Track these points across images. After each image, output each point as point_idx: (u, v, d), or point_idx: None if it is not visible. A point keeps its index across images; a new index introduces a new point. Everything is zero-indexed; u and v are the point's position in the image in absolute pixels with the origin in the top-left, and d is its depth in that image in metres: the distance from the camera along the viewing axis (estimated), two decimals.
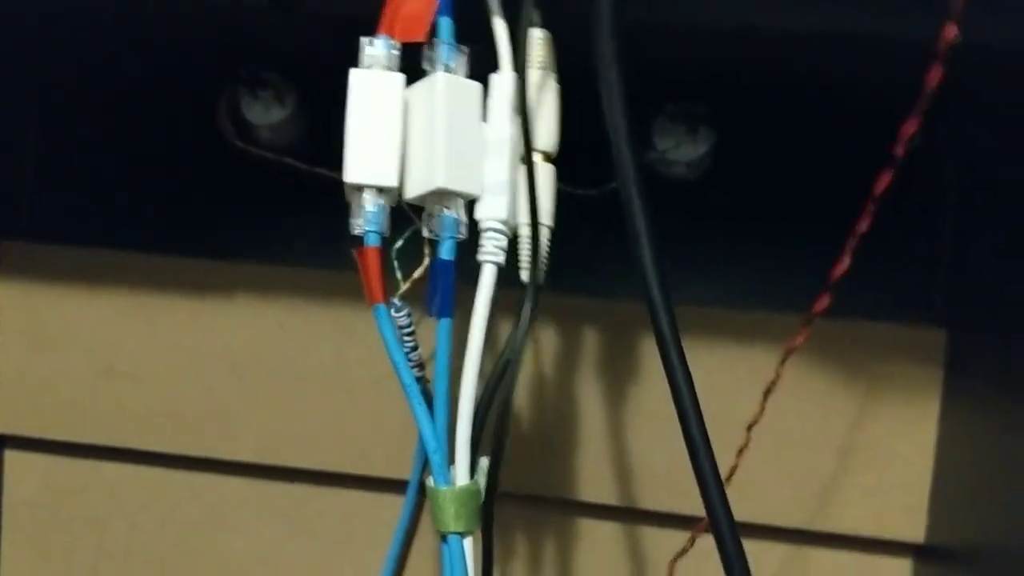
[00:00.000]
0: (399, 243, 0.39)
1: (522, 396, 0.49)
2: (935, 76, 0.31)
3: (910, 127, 0.32)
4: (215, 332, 0.52)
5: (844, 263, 0.35)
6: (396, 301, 0.42)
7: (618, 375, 0.49)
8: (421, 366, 0.44)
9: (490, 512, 0.36)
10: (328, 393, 0.52)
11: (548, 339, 0.50)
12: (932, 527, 0.47)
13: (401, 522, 0.51)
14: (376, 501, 0.53)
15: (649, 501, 0.49)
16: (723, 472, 0.32)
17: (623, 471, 0.49)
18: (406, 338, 0.43)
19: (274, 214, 0.53)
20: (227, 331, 0.52)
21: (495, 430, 0.34)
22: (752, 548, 0.49)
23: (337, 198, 0.48)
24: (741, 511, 0.47)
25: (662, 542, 0.50)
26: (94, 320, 0.52)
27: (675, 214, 0.50)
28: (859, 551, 0.49)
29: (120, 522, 0.54)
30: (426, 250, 0.46)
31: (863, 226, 0.34)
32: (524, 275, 0.34)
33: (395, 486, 0.51)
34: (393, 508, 0.52)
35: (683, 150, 0.48)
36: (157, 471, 0.54)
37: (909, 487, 0.48)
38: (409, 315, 0.42)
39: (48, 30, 0.51)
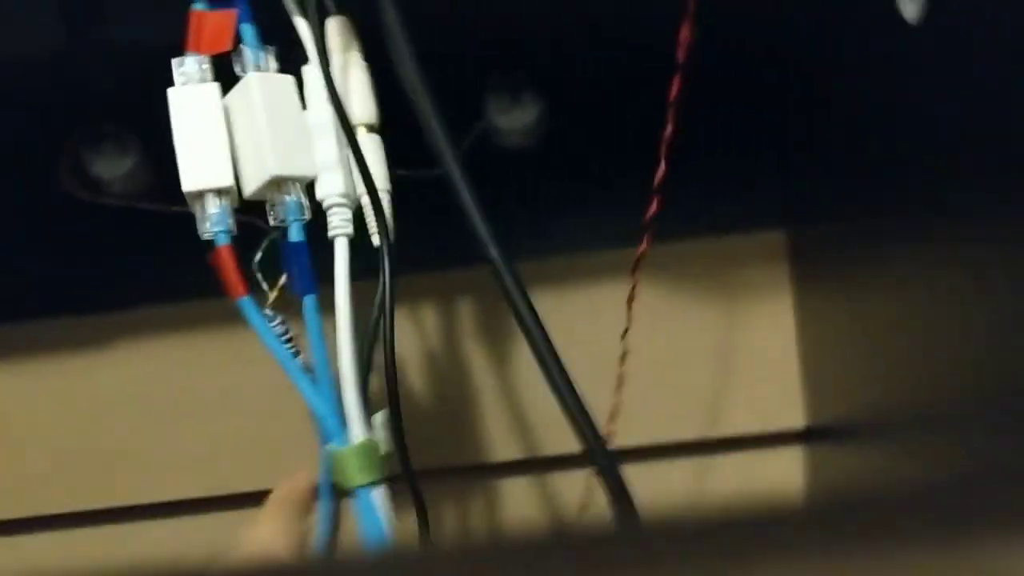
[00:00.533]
0: (259, 256, 0.40)
1: (412, 377, 0.51)
2: None
3: (684, 32, 0.35)
4: (101, 382, 0.52)
5: (661, 168, 0.37)
6: (268, 312, 0.43)
7: (497, 336, 0.51)
8: (309, 369, 0.45)
9: (407, 461, 0.38)
10: (225, 417, 0.53)
11: (426, 317, 0.52)
12: (811, 410, 0.51)
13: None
14: None
15: (553, 447, 0.52)
16: (608, 397, 0.35)
17: (523, 425, 0.52)
18: (287, 345, 0.45)
19: (137, 259, 0.53)
20: (113, 379, 0.53)
21: (387, 380, 0.36)
22: (654, 470, 0.53)
23: (192, 231, 0.50)
24: (635, 437, 0.51)
25: (574, 484, 0.52)
26: None
27: (518, 179, 0.52)
28: (752, 448, 0.52)
29: None
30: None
31: (668, 132, 0.37)
32: (375, 239, 0.36)
33: None
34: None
35: (513, 117, 0.50)
36: (72, 532, 0.54)
37: (782, 378, 0.51)
38: (284, 322, 0.43)
39: None
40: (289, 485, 0.40)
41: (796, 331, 0.51)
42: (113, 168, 0.51)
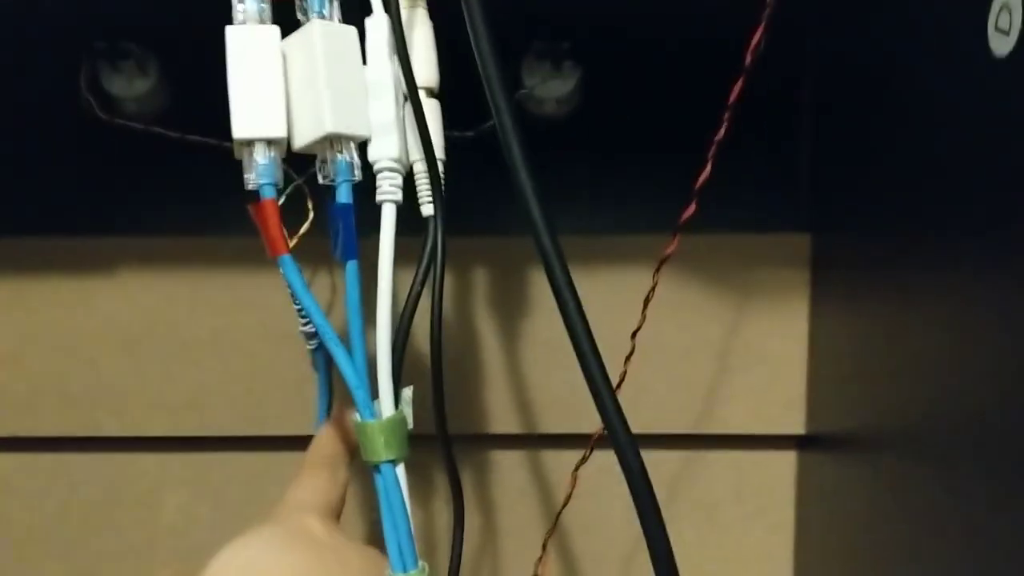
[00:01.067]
0: (281, 201, 0.39)
1: (419, 338, 0.50)
2: None
3: (755, 36, 0.34)
4: (97, 309, 0.51)
5: (706, 170, 0.37)
6: None
7: (509, 309, 0.51)
8: (309, 321, 0.44)
9: (447, 441, 0.38)
10: (220, 359, 0.52)
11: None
12: (811, 418, 0.51)
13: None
14: (278, 460, 0.53)
15: (550, 425, 0.51)
16: (614, 380, 0.34)
17: (523, 400, 0.51)
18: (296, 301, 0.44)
19: (148, 186, 0.52)
20: (110, 307, 0.51)
21: (433, 360, 0.35)
22: (647, 457, 0.52)
23: (211, 165, 0.49)
24: (635, 423, 0.50)
25: (566, 462, 0.52)
26: None
27: (549, 150, 0.51)
28: (747, 448, 0.52)
29: (21, 511, 0.53)
30: (310, 204, 0.46)
31: (720, 134, 0.36)
32: (426, 209, 0.35)
33: (296, 443, 0.52)
34: (296, 465, 0.52)
35: (551, 86, 0.49)
36: (50, 456, 0.53)
37: (787, 383, 0.51)
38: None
39: None
40: (321, 444, 0.40)
41: (808, 337, 0.51)
42: (130, 88, 0.50)
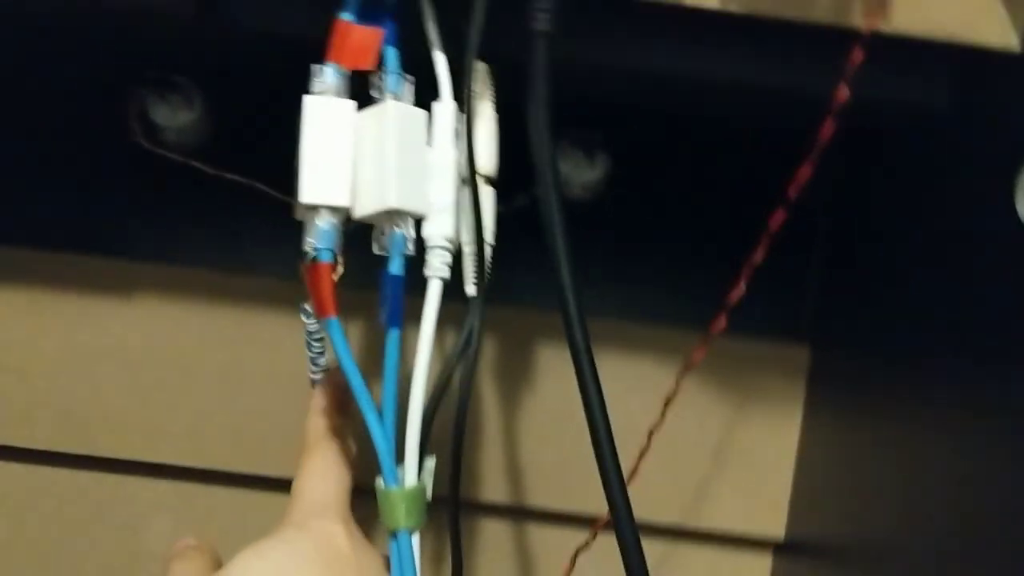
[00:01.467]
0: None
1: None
2: (828, 130, 0.35)
3: (805, 173, 0.36)
4: (109, 330, 0.52)
5: (740, 288, 0.38)
6: (307, 307, 0.44)
7: (514, 378, 0.52)
8: (326, 371, 0.45)
9: (456, 515, 0.39)
10: (221, 393, 0.52)
11: (442, 345, 0.52)
12: (791, 524, 0.52)
13: None
14: (267, 500, 0.54)
15: (542, 500, 0.52)
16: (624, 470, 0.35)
17: (515, 471, 0.52)
18: (314, 344, 0.45)
19: (176, 215, 0.53)
20: (121, 329, 0.52)
21: (453, 436, 0.36)
22: None
23: (241, 203, 0.50)
24: None
25: (562, 539, 0.52)
26: None
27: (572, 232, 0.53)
28: (726, 547, 0.54)
29: (2, 520, 0.53)
30: (339, 258, 0.47)
31: (757, 256, 0.38)
32: (471, 290, 0.36)
33: (285, 485, 0.52)
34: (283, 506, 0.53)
35: (581, 173, 0.51)
36: (41, 469, 0.53)
37: (772, 488, 0.53)
38: (317, 321, 0.43)
39: None
40: (320, 417, 0.40)
41: (797, 444, 0.52)
42: (174, 119, 0.51)
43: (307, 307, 0.44)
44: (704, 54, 0.39)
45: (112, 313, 0.52)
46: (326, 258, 0.34)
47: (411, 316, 0.36)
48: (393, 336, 0.35)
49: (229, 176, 0.50)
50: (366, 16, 0.36)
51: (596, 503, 0.36)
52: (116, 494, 0.53)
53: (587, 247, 0.54)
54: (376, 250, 0.35)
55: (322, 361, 0.46)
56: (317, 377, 0.45)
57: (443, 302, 0.36)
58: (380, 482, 0.35)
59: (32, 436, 0.52)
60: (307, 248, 0.34)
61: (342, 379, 0.37)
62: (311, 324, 0.45)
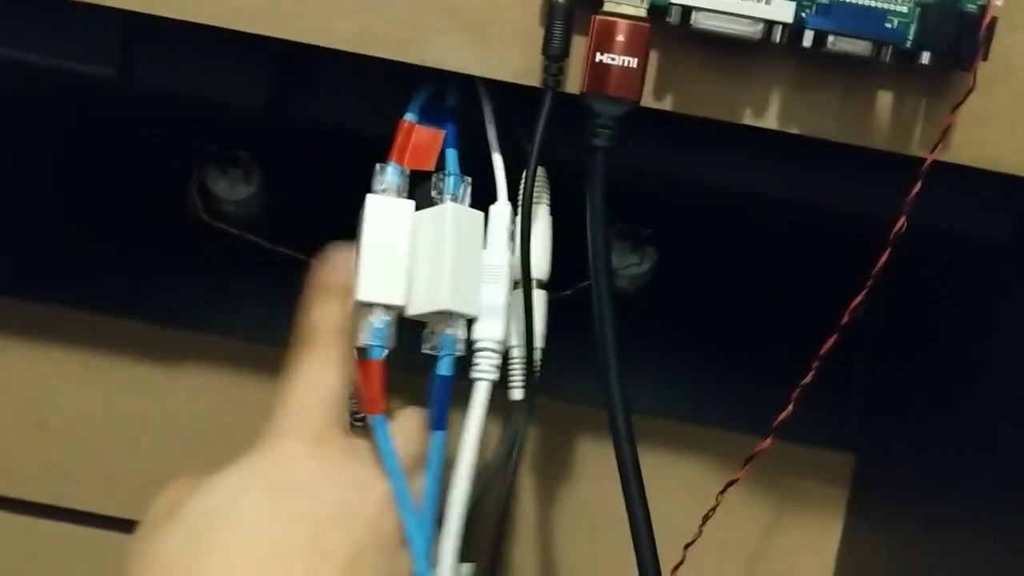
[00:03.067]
0: None
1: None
2: (883, 260, 0.36)
3: (858, 300, 0.36)
4: (159, 397, 0.53)
5: (788, 410, 0.38)
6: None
7: (553, 473, 0.52)
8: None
9: None
10: None
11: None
12: None
13: None
14: None
15: None
16: None
17: (551, 570, 0.52)
18: (356, 423, 0.45)
19: (231, 288, 0.54)
20: (171, 397, 0.53)
21: (493, 541, 0.36)
22: None
23: (292, 277, 0.51)
24: None
25: None
26: (31, 373, 0.53)
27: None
28: None
29: None
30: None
31: (808, 379, 0.37)
32: (516, 394, 0.36)
33: None
34: None
35: (628, 267, 0.51)
36: (84, 529, 0.53)
37: None
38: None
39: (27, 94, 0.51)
40: (320, 306, 0.36)
41: (836, 555, 0.52)
42: (232, 192, 0.52)
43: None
44: (760, 168, 0.39)
45: (162, 380, 0.53)
46: (377, 355, 0.34)
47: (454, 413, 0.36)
48: (438, 438, 0.35)
49: (283, 251, 0.51)
50: (428, 117, 0.37)
51: None
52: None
53: (630, 342, 0.54)
54: (426, 349, 0.35)
55: None
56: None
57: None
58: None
59: (76, 497, 0.53)
60: (359, 343, 0.34)
61: (347, 259, 0.35)
62: (355, 406, 0.45)
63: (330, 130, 0.42)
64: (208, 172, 0.52)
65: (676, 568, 0.41)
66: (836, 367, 0.52)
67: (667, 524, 0.45)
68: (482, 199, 0.38)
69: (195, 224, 0.52)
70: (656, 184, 0.45)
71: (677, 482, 0.49)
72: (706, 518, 0.41)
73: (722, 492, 0.41)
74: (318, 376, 0.35)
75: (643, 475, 0.49)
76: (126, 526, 0.53)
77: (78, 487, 0.53)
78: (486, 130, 0.38)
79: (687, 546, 0.42)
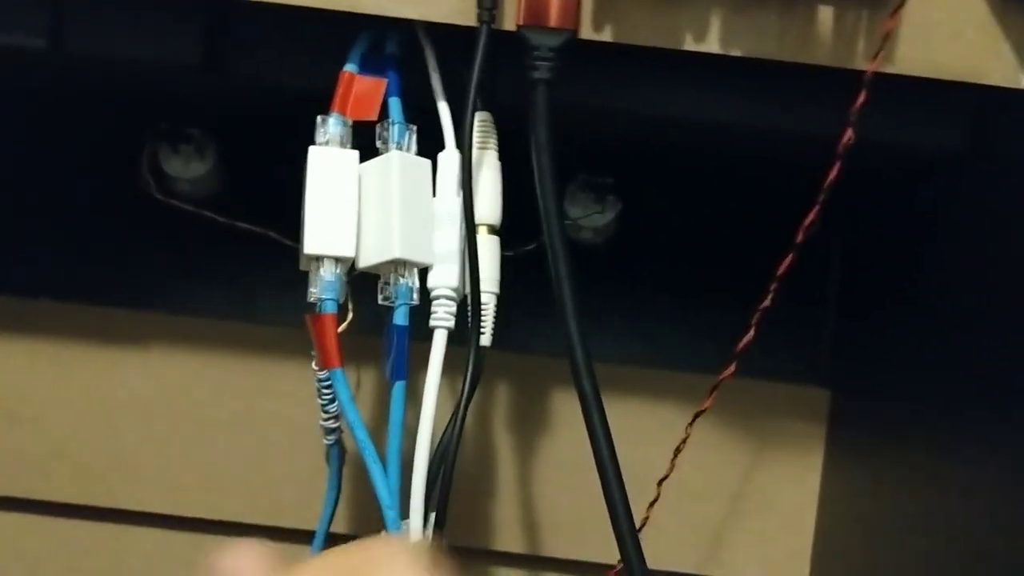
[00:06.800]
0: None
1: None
2: (833, 174, 0.35)
3: (810, 218, 0.36)
4: (125, 381, 0.52)
5: (749, 335, 0.38)
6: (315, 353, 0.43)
7: (529, 426, 0.52)
8: (336, 418, 0.45)
9: None
10: (238, 444, 0.52)
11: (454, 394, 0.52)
12: (815, 570, 0.51)
13: None
14: (284, 551, 0.53)
15: (556, 549, 0.52)
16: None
17: (532, 520, 0.52)
18: (324, 391, 0.45)
19: (190, 266, 0.53)
20: (137, 380, 0.52)
21: (440, 486, 0.36)
22: None
23: (252, 252, 0.50)
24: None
25: None
26: None
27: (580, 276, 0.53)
28: None
29: (21, 572, 0.53)
30: (349, 304, 0.47)
31: (766, 302, 0.37)
32: (474, 339, 0.36)
33: (302, 536, 0.52)
34: (300, 558, 0.52)
35: (592, 217, 0.51)
36: (59, 521, 0.53)
37: (794, 533, 0.52)
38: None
39: None
40: None
41: (819, 491, 0.52)
42: (186, 170, 0.51)
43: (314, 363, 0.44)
44: (707, 97, 0.39)
45: (128, 364, 0.52)
46: (330, 308, 0.34)
47: (421, 365, 0.36)
48: (398, 388, 0.35)
49: (242, 225, 0.50)
50: (370, 68, 0.37)
51: (612, 551, 0.36)
52: (134, 546, 0.53)
53: (598, 291, 0.54)
54: (381, 300, 0.35)
55: (332, 408, 0.46)
56: (328, 425, 0.45)
57: (456, 351, 0.36)
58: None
59: (50, 488, 0.52)
60: (311, 298, 0.34)
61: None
62: (322, 372, 0.45)
63: (276, 91, 0.42)
64: (161, 151, 0.51)
65: (652, 504, 0.41)
66: (808, 303, 0.53)
67: (646, 467, 0.45)
68: (436, 151, 0.37)
69: (150, 204, 0.51)
70: (609, 127, 0.45)
71: (654, 427, 0.49)
72: (677, 451, 0.41)
73: (691, 424, 0.40)
74: None
75: (618, 422, 0.50)
76: (103, 514, 0.53)
77: (52, 478, 0.52)
78: (430, 78, 0.37)
79: (660, 481, 0.42)
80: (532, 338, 0.51)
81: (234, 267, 0.53)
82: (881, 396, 0.47)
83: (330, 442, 0.44)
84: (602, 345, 0.53)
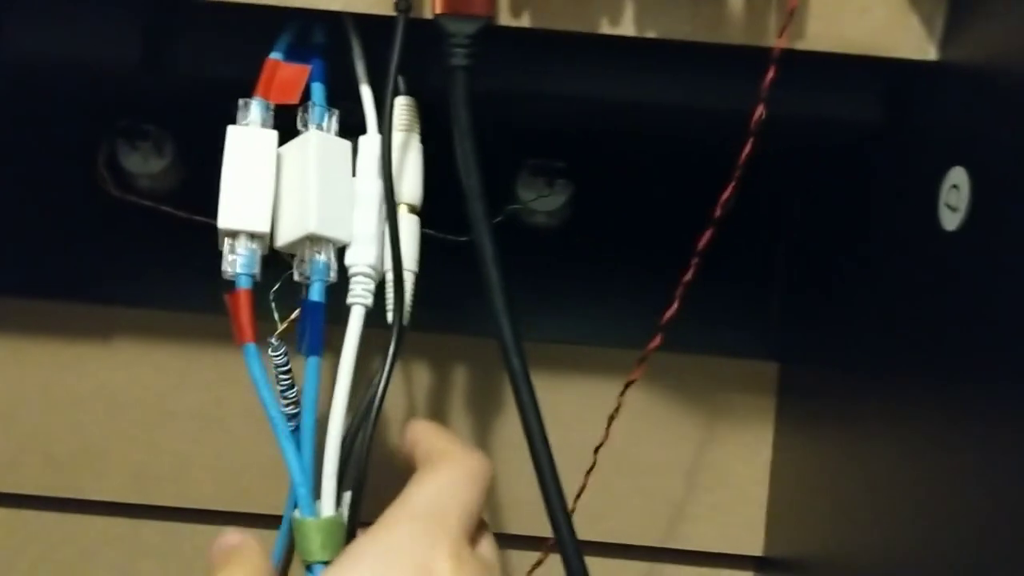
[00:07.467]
0: (276, 287, 0.41)
1: (392, 431, 0.52)
2: (747, 149, 0.36)
3: (727, 193, 0.36)
4: (90, 374, 0.53)
5: (674, 307, 0.39)
6: (273, 341, 0.44)
7: (483, 408, 0.52)
8: (296, 403, 0.46)
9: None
10: (203, 432, 0.53)
11: (416, 375, 0.53)
12: (769, 540, 0.52)
13: (274, 556, 0.52)
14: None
15: (516, 526, 0.53)
16: (574, 491, 0.36)
17: (491, 499, 0.52)
18: (282, 376, 0.45)
19: (152, 260, 0.54)
20: (102, 373, 0.53)
21: (357, 463, 0.37)
22: (608, 566, 0.54)
23: (214, 246, 0.51)
24: (597, 531, 0.52)
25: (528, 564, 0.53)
26: None
27: (537, 260, 0.54)
28: (705, 565, 0.54)
29: None
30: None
31: (689, 276, 0.38)
32: (390, 316, 0.37)
33: (270, 521, 0.53)
34: (268, 543, 0.53)
35: (544, 201, 0.52)
36: (29, 513, 0.54)
37: (748, 505, 0.52)
38: (285, 354, 0.44)
39: None
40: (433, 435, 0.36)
41: (771, 462, 0.52)
42: (145, 166, 0.52)
43: (273, 340, 0.45)
44: (627, 78, 0.40)
45: (93, 358, 0.53)
46: (244, 284, 0.35)
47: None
48: (312, 364, 0.35)
49: (200, 219, 0.51)
50: (296, 56, 0.38)
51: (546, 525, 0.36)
52: (103, 537, 0.54)
53: (553, 273, 0.55)
54: (297, 278, 0.36)
55: (291, 393, 0.47)
56: (289, 411, 0.46)
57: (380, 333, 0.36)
58: (296, 512, 0.35)
59: (18, 481, 0.53)
60: (225, 274, 0.35)
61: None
62: (279, 358, 0.45)
63: (220, 84, 0.43)
64: (119, 148, 0.52)
65: (589, 471, 0.42)
66: (755, 278, 0.54)
67: (586, 440, 0.45)
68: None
69: (109, 201, 0.52)
70: (552, 110, 0.46)
71: (599, 405, 0.49)
72: (611, 419, 0.42)
73: (621, 393, 0.41)
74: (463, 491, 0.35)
75: (561, 399, 0.51)
76: (72, 506, 0.54)
77: (21, 471, 0.53)
78: (354, 66, 0.38)
79: (597, 448, 0.42)
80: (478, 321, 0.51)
81: (195, 260, 0.54)
82: (829, 367, 0.47)
83: (292, 427, 0.45)
84: (558, 326, 0.55)
